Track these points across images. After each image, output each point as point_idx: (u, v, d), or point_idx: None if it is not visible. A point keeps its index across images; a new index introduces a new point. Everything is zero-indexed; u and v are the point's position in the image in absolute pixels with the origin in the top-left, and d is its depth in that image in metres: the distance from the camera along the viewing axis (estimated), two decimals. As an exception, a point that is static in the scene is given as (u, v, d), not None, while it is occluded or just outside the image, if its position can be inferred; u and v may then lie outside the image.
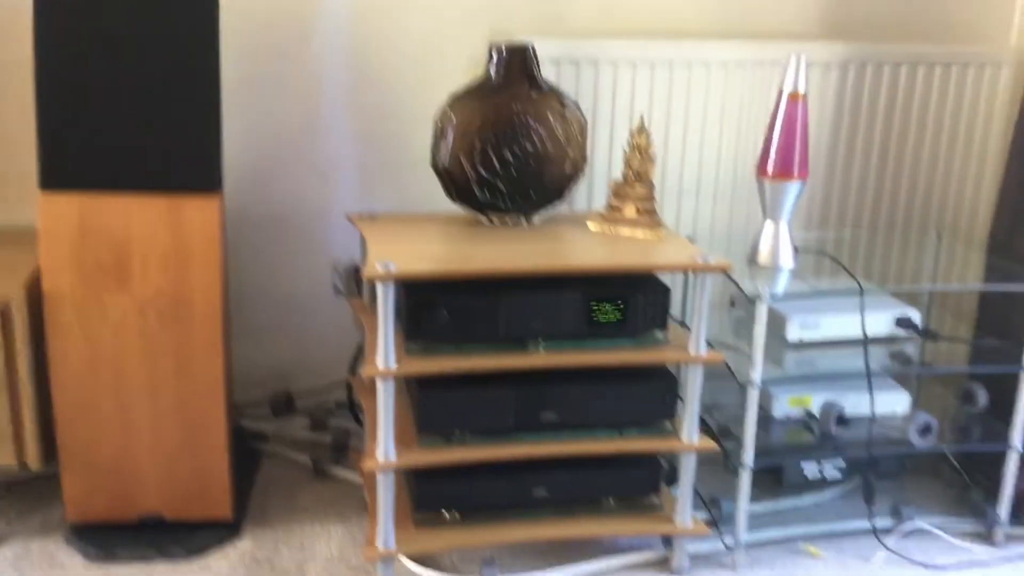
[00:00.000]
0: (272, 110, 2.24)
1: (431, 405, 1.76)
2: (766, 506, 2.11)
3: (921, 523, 2.04)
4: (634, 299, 1.77)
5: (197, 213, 1.77)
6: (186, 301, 1.80)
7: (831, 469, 2.13)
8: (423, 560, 1.90)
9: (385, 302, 1.63)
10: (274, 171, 2.28)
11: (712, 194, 2.36)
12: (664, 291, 1.80)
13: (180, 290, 1.79)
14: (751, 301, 1.82)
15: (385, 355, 1.66)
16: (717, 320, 2.28)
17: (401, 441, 1.76)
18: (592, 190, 2.29)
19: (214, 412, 1.88)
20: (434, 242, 1.85)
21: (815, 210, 2.44)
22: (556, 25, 2.26)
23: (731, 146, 2.33)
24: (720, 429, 2.06)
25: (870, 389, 1.92)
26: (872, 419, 1.96)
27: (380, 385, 1.68)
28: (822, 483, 2.16)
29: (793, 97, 1.90)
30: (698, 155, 2.33)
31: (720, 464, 1.98)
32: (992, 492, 2.05)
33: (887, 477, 2.23)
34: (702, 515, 2.01)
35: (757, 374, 1.84)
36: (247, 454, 2.26)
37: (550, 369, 1.78)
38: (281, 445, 2.31)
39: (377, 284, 1.63)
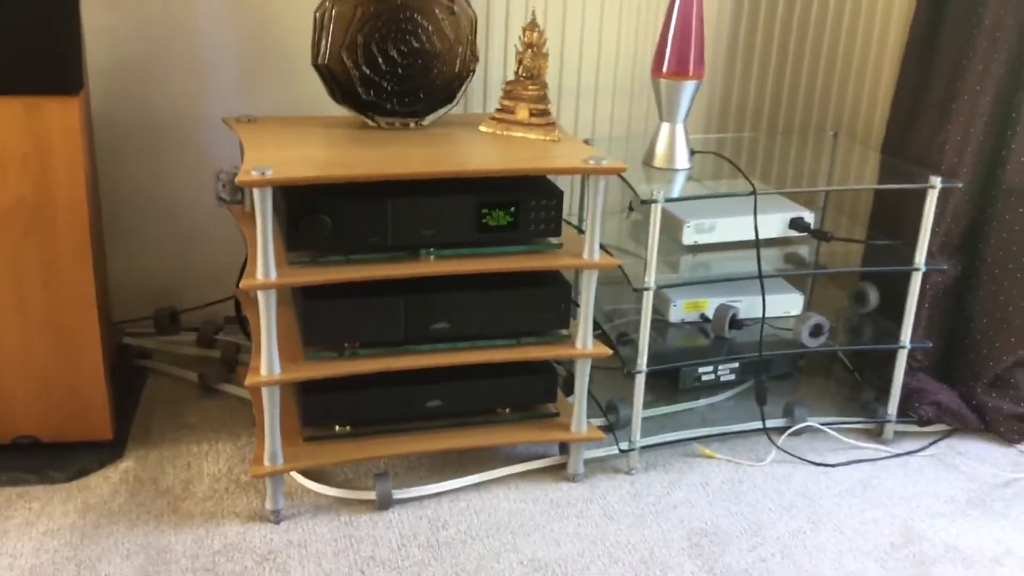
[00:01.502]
0: (143, 8, 2.08)
1: (316, 317, 1.69)
2: (663, 410, 2.12)
3: (813, 422, 2.07)
4: (525, 203, 1.72)
5: (57, 116, 1.64)
6: (49, 208, 1.68)
7: (726, 372, 2.14)
8: (316, 475, 1.85)
9: (263, 210, 1.54)
10: (148, 73, 2.14)
11: (611, 94, 2.30)
12: (557, 195, 1.75)
13: (42, 197, 1.68)
14: (645, 204, 1.78)
15: (265, 266, 1.58)
16: (616, 225, 2.26)
17: (289, 355, 1.70)
18: (490, 92, 2.21)
19: (87, 326, 1.78)
20: (317, 146, 1.75)
21: (715, 113, 2.40)
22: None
23: (630, 45, 2.26)
24: (619, 335, 2.04)
25: (762, 291, 1.91)
26: (763, 321, 1.95)
27: (260, 297, 1.60)
28: (718, 386, 2.17)
29: (688, -8, 1.84)
30: (596, 53, 2.26)
31: (619, 370, 1.97)
32: (883, 391, 2.08)
33: (781, 378, 2.26)
34: (601, 421, 2.00)
35: (651, 278, 1.81)
36: (130, 372, 2.16)
37: (441, 277, 1.72)
38: (167, 362, 2.22)
39: (253, 191, 1.54)
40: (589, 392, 2.03)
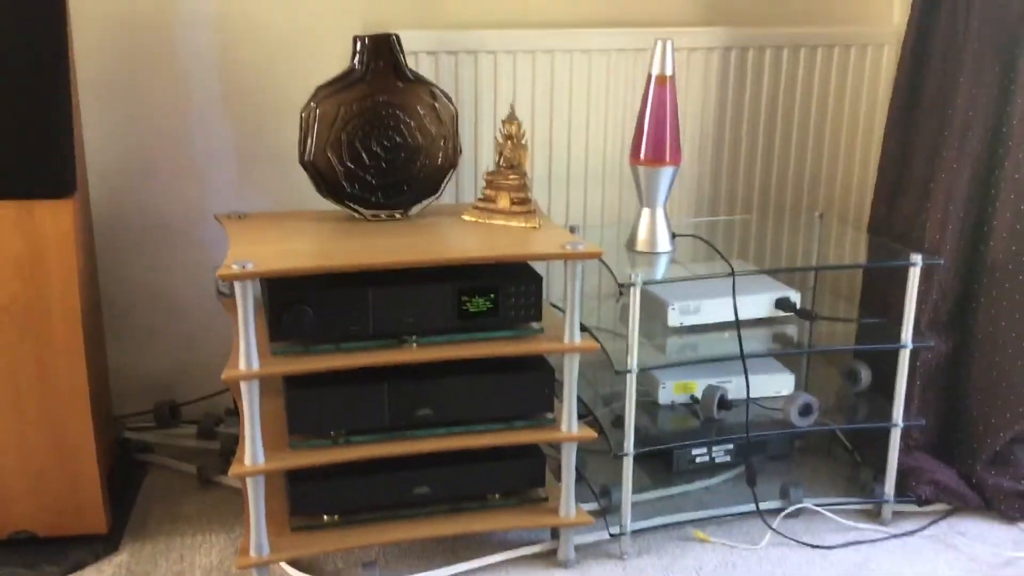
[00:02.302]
0: (139, 113, 2.18)
1: (300, 406, 1.72)
2: (657, 493, 2.11)
3: (808, 503, 2.05)
4: (505, 290, 1.75)
5: (50, 218, 1.70)
6: (43, 307, 1.74)
7: (721, 453, 2.13)
8: (305, 566, 1.86)
9: (244, 301, 1.59)
10: (146, 174, 2.22)
11: (600, 182, 2.35)
12: (536, 281, 1.78)
13: (36, 296, 1.73)
14: (625, 288, 1.81)
15: (247, 356, 1.62)
16: (609, 310, 2.28)
17: (276, 444, 1.72)
18: (477, 182, 2.26)
19: (82, 422, 1.81)
20: (301, 239, 1.80)
21: (704, 197, 2.44)
22: (433, 17, 2.23)
23: (617, 133, 2.32)
24: (615, 419, 2.05)
25: (745, 371, 1.92)
26: (748, 401, 1.95)
27: (243, 387, 1.63)
28: (712, 468, 2.16)
29: (660, 80, 1.89)
30: (584, 142, 2.32)
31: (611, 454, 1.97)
32: (881, 470, 2.06)
33: (778, 459, 2.24)
34: (594, 506, 2.00)
35: (633, 360, 1.83)
36: (130, 466, 2.19)
37: (425, 365, 1.75)
38: (167, 455, 2.25)
39: (235, 284, 1.59)
40: (584, 476, 2.04)
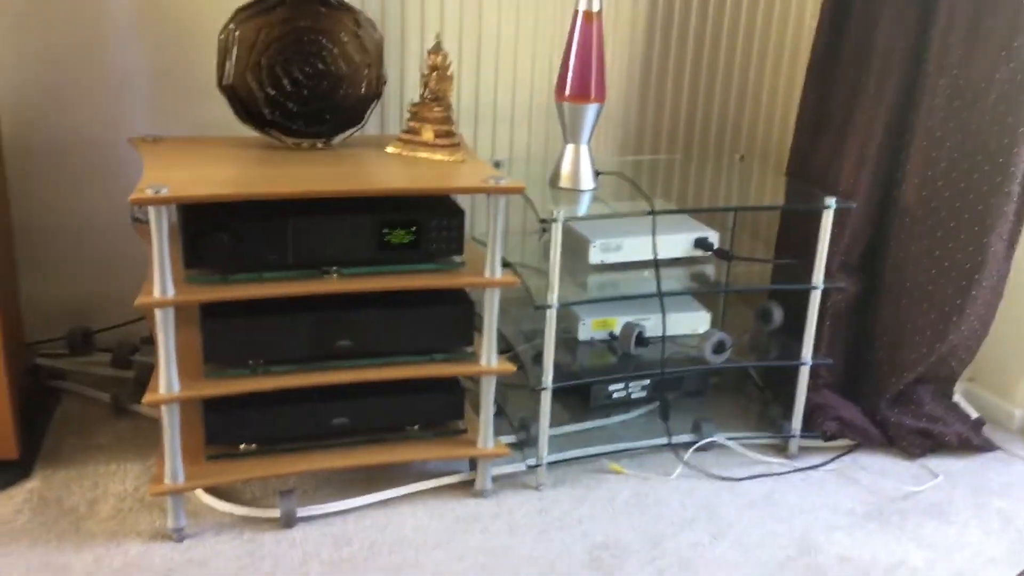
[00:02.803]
0: (50, 38, 2.10)
1: (216, 334, 1.70)
2: (574, 427, 2.15)
3: (719, 437, 2.11)
4: (426, 223, 1.75)
5: (-45, 136, 1.65)
6: (-52, 231, 1.69)
7: (637, 389, 2.17)
8: (224, 494, 1.86)
9: (158, 227, 1.56)
10: (58, 99, 2.14)
11: (527, 117, 2.34)
12: (458, 214, 1.78)
13: (-59, 219, 1.68)
14: (546, 224, 1.82)
15: (162, 283, 1.59)
16: (533, 246, 2.29)
17: (193, 374, 1.71)
18: (404, 114, 2.23)
19: (-10, 347, 1.78)
20: (219, 165, 1.77)
21: (630, 135, 2.45)
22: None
23: (544, 69, 2.31)
24: (536, 355, 2.07)
25: (662, 309, 1.95)
26: (664, 338, 1.99)
27: (158, 315, 1.61)
28: (629, 403, 2.20)
29: (587, 16, 1.88)
30: (512, 77, 2.31)
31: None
32: (790, 407, 2.12)
33: (693, 395, 2.29)
34: (513, 438, 2.03)
35: (554, 296, 1.85)
36: (43, 393, 2.15)
37: (345, 296, 1.74)
38: (81, 383, 2.21)
39: (149, 209, 1.56)
40: (504, 411, 2.07)
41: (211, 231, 1.63)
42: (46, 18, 2.09)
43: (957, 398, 2.28)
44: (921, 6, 1.99)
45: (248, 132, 1.87)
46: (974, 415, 2.25)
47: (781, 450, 2.14)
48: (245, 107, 1.82)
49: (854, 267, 2.16)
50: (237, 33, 1.77)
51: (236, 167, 1.77)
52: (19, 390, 1.93)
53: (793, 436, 2.12)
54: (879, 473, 2.09)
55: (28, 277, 2.17)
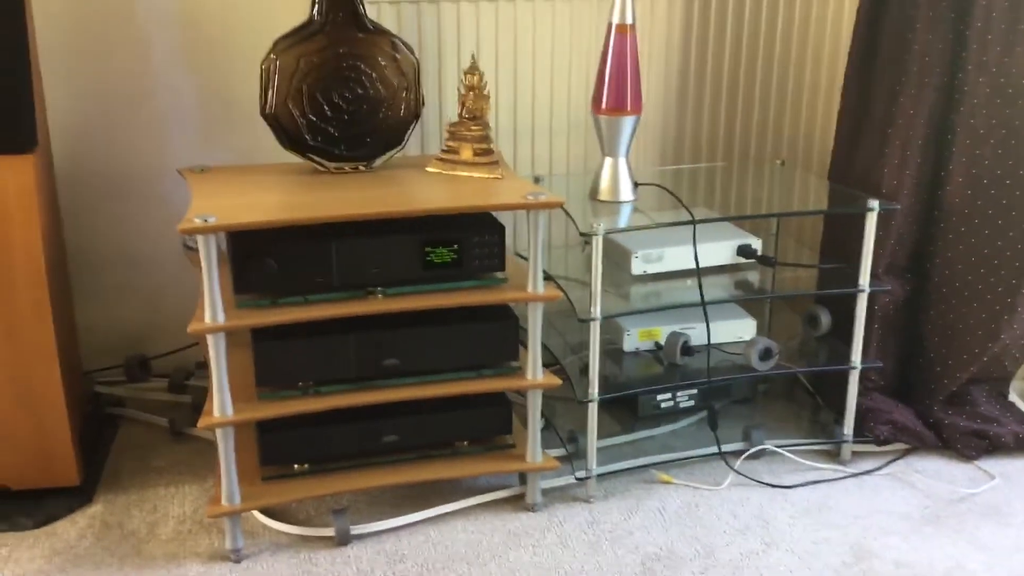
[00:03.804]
0: (101, 71, 2.17)
1: (267, 357, 1.74)
2: (623, 438, 2.15)
3: (769, 444, 2.10)
4: (468, 240, 1.77)
5: (11, 175, 1.70)
6: (6, 265, 1.74)
7: (685, 398, 2.17)
8: (280, 514, 1.89)
9: (207, 255, 1.60)
10: (109, 131, 2.21)
11: (565, 132, 2.36)
12: (499, 231, 1.80)
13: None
14: (587, 237, 1.83)
15: (212, 309, 1.63)
16: (575, 259, 2.30)
17: (246, 396, 1.74)
18: (443, 134, 2.26)
19: (50, 377, 1.83)
20: (264, 192, 1.81)
21: (668, 145, 2.46)
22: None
23: (580, 83, 2.33)
24: (583, 367, 2.08)
25: (706, 318, 1.95)
26: (709, 346, 1.99)
27: (210, 340, 1.65)
28: (676, 413, 2.20)
29: (621, 29, 1.90)
30: (549, 93, 2.33)
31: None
32: (842, 412, 2.10)
33: (742, 403, 2.29)
34: (561, 451, 2.04)
35: (597, 308, 1.86)
36: (102, 420, 2.21)
37: (391, 315, 1.76)
38: (139, 409, 2.27)
39: (197, 237, 1.60)
40: (552, 424, 2.08)
41: (258, 257, 1.67)
42: (96, 54, 2.16)
43: (1013, 397, 2.25)
44: (957, 5, 1.97)
45: (292, 159, 1.91)
46: (1031, 415, 2.21)
47: (833, 456, 2.12)
48: (288, 134, 1.86)
49: (901, 269, 2.14)
50: (278, 62, 1.82)
51: (280, 193, 1.81)
52: (79, 418, 1.99)
53: (845, 441, 2.10)
54: (934, 476, 2.06)
55: (84, 307, 2.23)
